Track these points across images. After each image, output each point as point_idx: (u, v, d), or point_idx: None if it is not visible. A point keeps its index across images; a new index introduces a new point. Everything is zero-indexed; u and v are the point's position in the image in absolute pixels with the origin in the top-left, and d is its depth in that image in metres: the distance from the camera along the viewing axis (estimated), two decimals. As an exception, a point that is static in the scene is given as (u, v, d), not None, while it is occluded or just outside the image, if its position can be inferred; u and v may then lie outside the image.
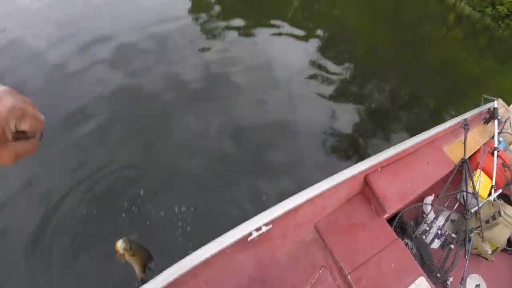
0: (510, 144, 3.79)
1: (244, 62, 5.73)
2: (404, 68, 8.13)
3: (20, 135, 0.54)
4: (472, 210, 2.87)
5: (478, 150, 3.57)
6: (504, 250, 3.14)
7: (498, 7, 19.37)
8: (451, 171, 2.94)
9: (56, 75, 4.57)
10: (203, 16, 6.91)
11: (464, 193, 2.82)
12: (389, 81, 7.18)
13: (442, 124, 3.09)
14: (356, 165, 2.38)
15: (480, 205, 2.88)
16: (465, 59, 11.61)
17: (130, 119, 4.23)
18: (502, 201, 3.16)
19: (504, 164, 3.66)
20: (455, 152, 3.05)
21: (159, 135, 4.11)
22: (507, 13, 19.41)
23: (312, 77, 6.21)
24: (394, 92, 6.99)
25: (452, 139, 3.23)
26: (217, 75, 5.28)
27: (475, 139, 3.56)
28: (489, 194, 3.14)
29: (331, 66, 6.72)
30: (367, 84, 6.86)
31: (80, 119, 3.99)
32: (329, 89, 6.11)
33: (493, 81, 11.95)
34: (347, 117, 5.52)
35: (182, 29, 6.14)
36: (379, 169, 2.54)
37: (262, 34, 6.91)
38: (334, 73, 6.54)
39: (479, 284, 2.76)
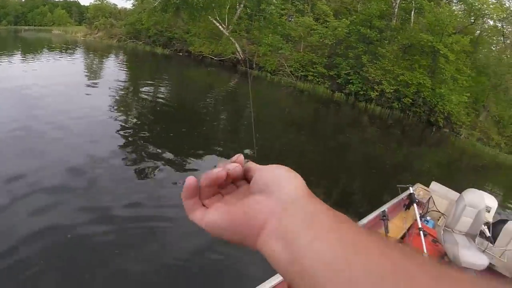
0: (438, 220, 4.21)
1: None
2: (333, 171, 8.74)
3: None
4: None
5: (405, 235, 3.89)
6: None
7: (403, 100, 22.84)
8: None
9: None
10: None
11: None
12: (320, 186, 7.66)
13: (361, 220, 3.39)
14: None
15: None
16: (385, 151, 12.86)
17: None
18: None
19: (434, 240, 4.04)
20: None
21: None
22: (412, 102, 22.96)
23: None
24: (327, 193, 7.42)
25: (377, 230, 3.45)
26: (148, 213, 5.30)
27: (399, 226, 3.92)
28: None
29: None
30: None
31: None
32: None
33: (416, 164, 13.26)
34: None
35: (111, 169, 6.24)
36: None
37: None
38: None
39: None
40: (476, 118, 26.83)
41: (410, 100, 22.76)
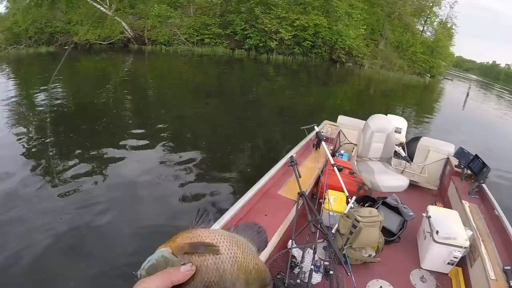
0: (352, 152, 4.13)
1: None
2: (249, 130, 8.51)
3: None
4: (333, 230, 3.03)
5: (320, 175, 3.89)
6: (389, 241, 3.36)
7: (303, 44, 23.13)
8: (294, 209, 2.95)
9: None
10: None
11: (313, 223, 2.72)
12: (240, 148, 7.32)
13: (271, 170, 3.26)
14: None
15: (337, 222, 3.05)
16: (296, 97, 12.85)
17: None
18: (357, 206, 3.37)
19: (351, 172, 4.08)
20: (293, 191, 3.08)
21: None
22: (312, 44, 23.40)
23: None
24: (249, 153, 7.20)
25: (287, 179, 3.40)
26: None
27: (311, 167, 3.86)
28: (348, 203, 3.36)
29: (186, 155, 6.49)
30: (225, 156, 6.90)
31: None
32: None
33: (328, 102, 13.53)
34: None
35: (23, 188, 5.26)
36: None
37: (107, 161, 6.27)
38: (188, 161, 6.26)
39: (381, 286, 2.85)
40: (376, 48, 28.24)
41: (310, 43, 23.18)
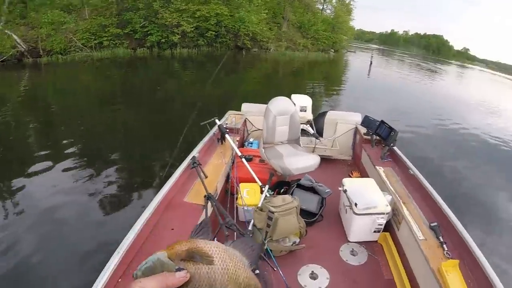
0: (261, 137, 3.95)
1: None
2: (162, 132, 8.26)
3: None
4: (250, 227, 2.99)
5: (229, 170, 3.70)
6: (312, 223, 3.36)
7: (207, 34, 23.21)
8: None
9: None
10: None
11: (225, 225, 2.61)
12: (156, 152, 7.12)
13: (172, 175, 2.93)
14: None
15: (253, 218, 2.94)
16: (206, 89, 12.63)
17: None
18: (272, 194, 3.31)
19: (261, 160, 3.94)
20: (201, 195, 2.84)
21: None
22: (216, 34, 23.63)
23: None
24: (166, 156, 6.90)
25: (192, 183, 3.09)
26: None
27: (218, 165, 3.59)
28: (262, 192, 3.25)
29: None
30: (139, 162, 6.76)
31: None
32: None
33: (239, 90, 13.74)
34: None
35: None
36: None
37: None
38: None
39: (313, 271, 2.80)
40: (280, 30, 29.37)
41: (214, 33, 23.33)
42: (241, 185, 3.37)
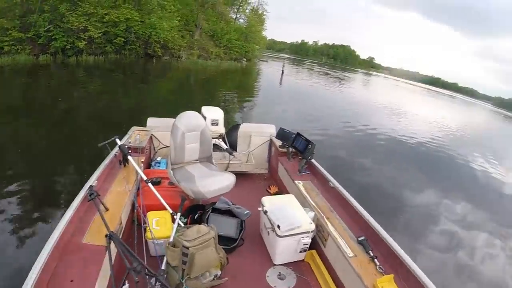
0: (169, 157, 3.48)
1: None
2: (69, 149, 7.46)
3: None
4: (163, 266, 2.56)
5: (135, 198, 3.19)
6: (233, 249, 3.14)
7: (115, 41, 22.71)
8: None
9: None
10: None
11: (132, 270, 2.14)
12: (59, 174, 6.32)
13: (68, 211, 2.47)
14: None
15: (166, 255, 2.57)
16: (115, 100, 12.36)
17: None
18: (185, 221, 3.16)
19: (171, 183, 3.52)
20: (102, 233, 2.29)
21: None
22: (125, 40, 23.20)
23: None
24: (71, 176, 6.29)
25: (91, 218, 2.60)
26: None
27: (122, 192, 3.07)
28: (174, 221, 2.87)
29: None
30: (41, 185, 5.94)
31: None
32: None
33: (150, 100, 13.31)
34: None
35: None
36: None
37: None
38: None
39: None
40: (192, 38, 29.93)
41: (123, 39, 22.92)
42: (150, 214, 2.99)
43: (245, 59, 36.15)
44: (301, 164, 4.04)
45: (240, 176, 4.24)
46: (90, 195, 2.56)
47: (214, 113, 4.77)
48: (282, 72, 31.18)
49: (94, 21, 21.76)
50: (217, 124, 4.73)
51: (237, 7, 39.09)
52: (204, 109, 4.78)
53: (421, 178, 9.45)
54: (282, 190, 4.30)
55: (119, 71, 20.02)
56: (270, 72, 35.22)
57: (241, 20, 39.52)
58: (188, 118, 3.51)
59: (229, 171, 3.79)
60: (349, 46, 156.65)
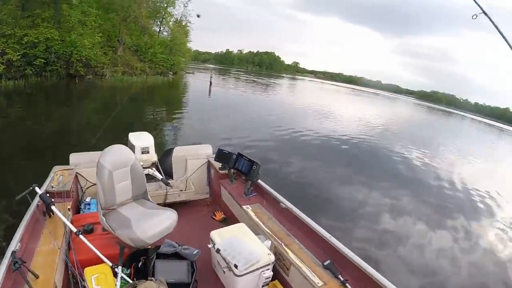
0: (98, 201, 3.02)
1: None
2: None
3: None
4: None
5: (69, 253, 2.78)
6: None
7: (35, 62, 22.10)
8: None
9: None
10: None
11: None
12: None
13: None
14: None
15: None
16: (38, 128, 11.48)
17: None
18: (128, 273, 2.81)
19: (104, 229, 3.05)
20: None
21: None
22: (45, 62, 22.74)
23: None
24: None
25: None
26: None
27: (51, 248, 2.60)
28: (116, 275, 2.55)
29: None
30: None
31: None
32: None
33: (74, 125, 12.77)
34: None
35: None
36: None
37: None
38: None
39: None
40: (115, 54, 29.96)
41: (43, 60, 22.44)
42: (87, 270, 2.56)
43: (171, 73, 36.78)
44: (247, 186, 3.79)
45: (181, 205, 4.08)
46: (14, 264, 2.14)
47: (143, 140, 4.25)
48: (210, 83, 31.74)
49: (12, 43, 21.15)
50: (148, 152, 4.19)
51: (160, 19, 39.47)
52: (132, 136, 4.27)
53: (361, 179, 10.16)
54: (229, 217, 4.05)
55: (40, 95, 19.23)
56: (198, 83, 35.78)
57: (165, 33, 39.87)
58: (113, 154, 3.04)
59: (168, 204, 3.61)
60: (274, 52, 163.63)
